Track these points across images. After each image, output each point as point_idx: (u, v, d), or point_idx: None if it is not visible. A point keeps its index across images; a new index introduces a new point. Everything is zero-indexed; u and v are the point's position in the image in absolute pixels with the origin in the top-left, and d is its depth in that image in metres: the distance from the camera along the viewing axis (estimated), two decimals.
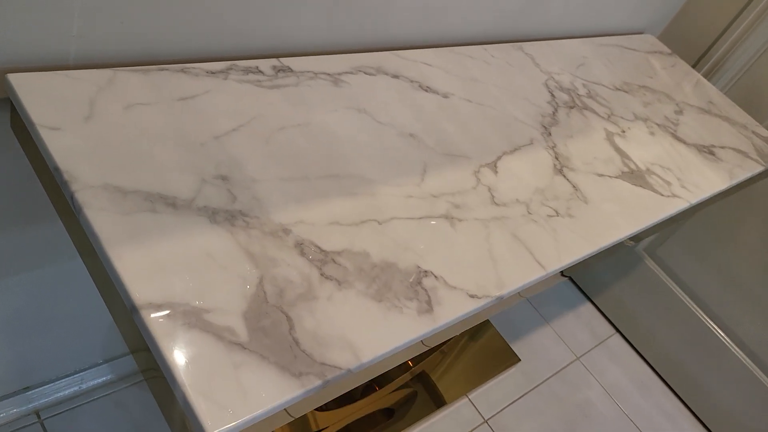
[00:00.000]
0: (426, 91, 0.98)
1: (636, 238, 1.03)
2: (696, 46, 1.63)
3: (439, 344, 1.51)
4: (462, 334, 1.73)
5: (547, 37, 1.33)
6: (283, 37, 0.89)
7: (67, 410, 1.22)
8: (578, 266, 0.90)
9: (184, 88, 0.76)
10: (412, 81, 0.98)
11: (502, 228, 0.82)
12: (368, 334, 0.62)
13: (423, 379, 1.58)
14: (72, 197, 0.59)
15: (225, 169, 0.69)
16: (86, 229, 0.58)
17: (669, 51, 1.57)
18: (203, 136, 0.71)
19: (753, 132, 1.41)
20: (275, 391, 0.54)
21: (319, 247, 0.67)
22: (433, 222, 0.77)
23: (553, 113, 1.09)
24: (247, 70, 0.83)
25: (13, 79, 0.66)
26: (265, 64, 0.86)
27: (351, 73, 0.93)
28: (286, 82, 0.85)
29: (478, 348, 1.73)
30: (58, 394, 1.20)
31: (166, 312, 0.55)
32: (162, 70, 0.76)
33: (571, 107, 1.14)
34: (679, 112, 1.33)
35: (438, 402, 1.56)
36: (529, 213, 0.87)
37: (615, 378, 1.88)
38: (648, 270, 1.92)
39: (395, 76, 0.97)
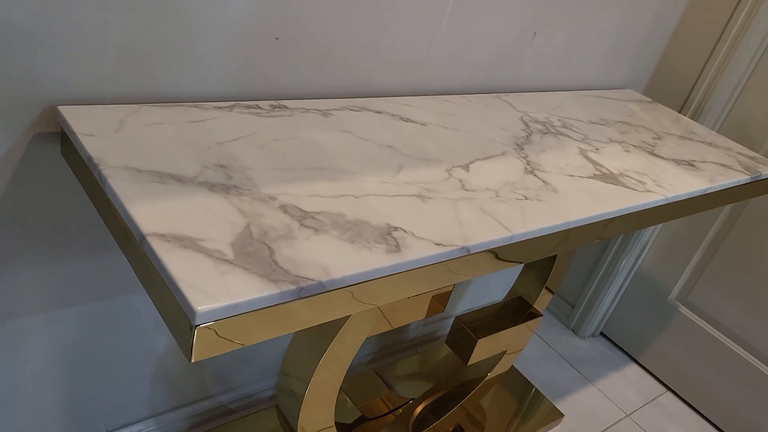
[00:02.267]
0: (405, 121, 1.14)
1: (608, 231, 1.11)
2: (678, 94, 1.77)
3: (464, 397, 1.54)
4: (500, 394, 1.74)
5: (525, 90, 1.50)
6: (279, 87, 1.09)
7: None
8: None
9: (194, 115, 0.95)
10: (393, 115, 1.15)
11: (471, 204, 0.94)
12: (339, 262, 0.73)
13: None
14: (99, 174, 0.76)
15: (224, 161, 0.86)
16: (108, 192, 0.74)
17: (650, 100, 1.72)
18: (208, 142, 0.89)
19: (738, 153, 1.50)
20: (254, 288, 0.66)
21: (300, 208, 0.81)
22: (404, 197, 0.90)
23: (527, 137, 1.23)
24: (249, 107, 1.02)
25: (62, 109, 0.86)
26: (264, 104, 1.05)
27: (338, 109, 1.11)
28: (282, 113, 1.03)
29: (518, 406, 1.73)
30: None
31: (167, 238, 0.69)
32: (178, 105, 0.96)
33: (545, 133, 1.28)
34: (658, 138, 1.45)
35: None
36: (498, 197, 0.98)
37: None
38: (685, 319, 1.92)
39: (378, 112, 1.15)
